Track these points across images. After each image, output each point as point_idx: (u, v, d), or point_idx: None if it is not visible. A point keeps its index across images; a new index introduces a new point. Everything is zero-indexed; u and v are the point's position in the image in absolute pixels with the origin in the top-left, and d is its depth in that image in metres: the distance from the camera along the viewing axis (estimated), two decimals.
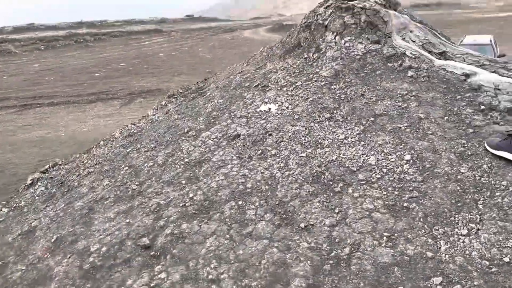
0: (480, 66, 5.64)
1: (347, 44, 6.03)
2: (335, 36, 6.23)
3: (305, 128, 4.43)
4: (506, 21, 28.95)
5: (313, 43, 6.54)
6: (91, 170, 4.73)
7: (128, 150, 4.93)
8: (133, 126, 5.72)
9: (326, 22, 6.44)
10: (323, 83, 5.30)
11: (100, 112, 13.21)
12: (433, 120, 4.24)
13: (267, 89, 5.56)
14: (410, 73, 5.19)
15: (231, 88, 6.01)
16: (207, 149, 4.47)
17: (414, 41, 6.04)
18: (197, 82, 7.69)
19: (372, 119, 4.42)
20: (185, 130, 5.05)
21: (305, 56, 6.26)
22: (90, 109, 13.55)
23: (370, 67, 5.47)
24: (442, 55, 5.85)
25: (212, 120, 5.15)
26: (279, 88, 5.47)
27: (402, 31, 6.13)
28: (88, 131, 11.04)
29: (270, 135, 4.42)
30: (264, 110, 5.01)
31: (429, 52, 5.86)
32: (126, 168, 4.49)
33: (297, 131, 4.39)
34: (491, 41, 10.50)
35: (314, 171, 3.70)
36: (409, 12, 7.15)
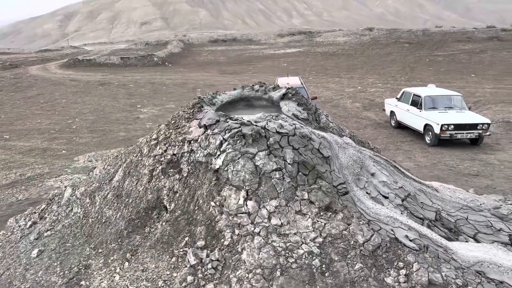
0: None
1: (275, 221, 2.82)
2: (245, 200, 2.94)
3: None
4: (295, 56, 29.69)
5: (197, 211, 3.07)
6: None
7: None
8: None
9: (217, 163, 3.12)
10: None
11: None
12: None
13: None
14: None
15: None
16: None
17: (387, 197, 3.27)
18: None
19: None
20: None
21: (190, 256, 2.73)
22: None
23: None
24: (436, 223, 3.23)
25: None
26: None
27: (361, 177, 3.30)
28: None
29: None
30: None
31: (421, 219, 3.17)
32: None
33: None
34: (302, 83, 9.83)
35: None
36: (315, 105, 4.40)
